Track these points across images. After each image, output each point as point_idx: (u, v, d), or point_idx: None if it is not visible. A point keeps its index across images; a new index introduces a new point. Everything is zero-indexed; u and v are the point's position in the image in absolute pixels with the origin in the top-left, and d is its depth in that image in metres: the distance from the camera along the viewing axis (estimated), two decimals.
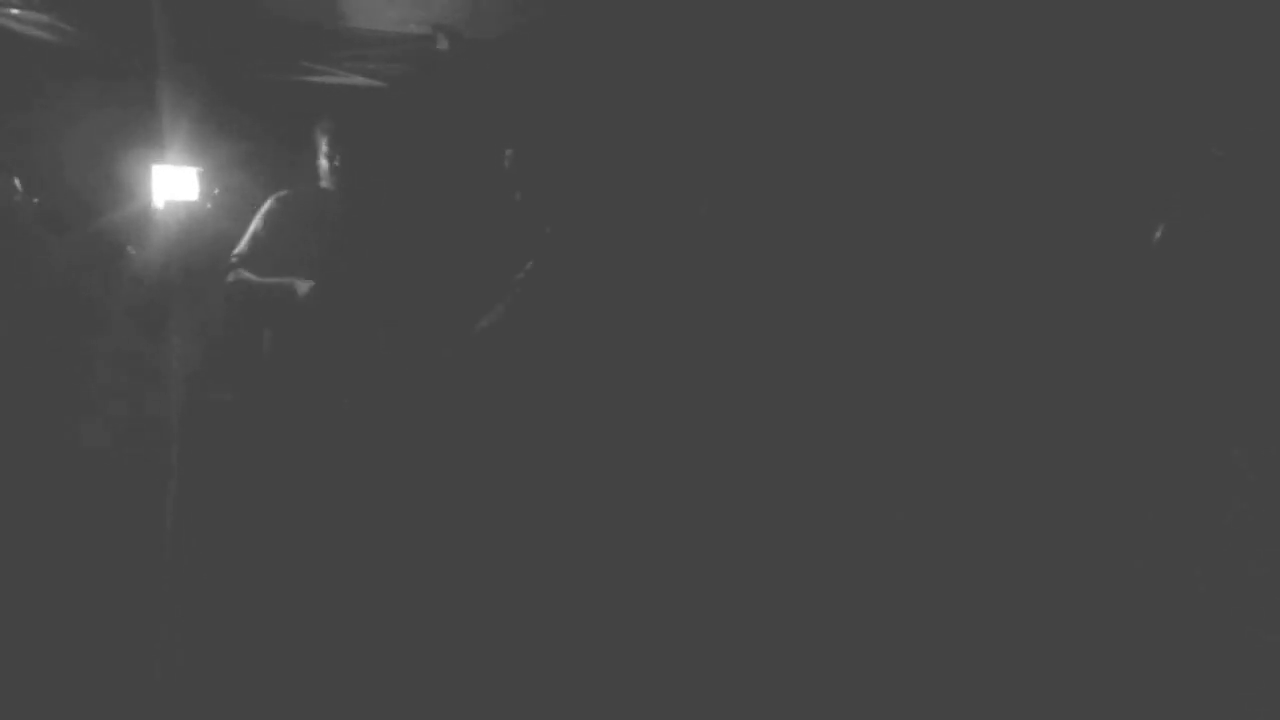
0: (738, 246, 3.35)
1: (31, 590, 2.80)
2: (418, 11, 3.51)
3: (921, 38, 3.31)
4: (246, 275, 3.21)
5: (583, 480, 3.03)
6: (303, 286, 3.12)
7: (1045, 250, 3.25)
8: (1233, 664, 2.65)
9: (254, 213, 3.35)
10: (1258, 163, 2.91)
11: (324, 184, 3.34)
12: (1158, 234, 3.00)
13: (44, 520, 2.93)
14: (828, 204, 3.42)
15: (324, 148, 3.30)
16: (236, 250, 3.28)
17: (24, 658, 2.65)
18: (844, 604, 3.02)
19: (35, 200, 3.34)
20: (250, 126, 3.89)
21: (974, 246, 3.32)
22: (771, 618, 2.98)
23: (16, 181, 3.18)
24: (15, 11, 3.49)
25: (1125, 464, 2.96)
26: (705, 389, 3.13)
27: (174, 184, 3.59)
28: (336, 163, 3.28)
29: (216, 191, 3.76)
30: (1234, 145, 2.96)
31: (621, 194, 3.31)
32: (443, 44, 3.60)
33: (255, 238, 3.30)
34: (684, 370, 3.12)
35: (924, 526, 3.10)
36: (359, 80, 3.96)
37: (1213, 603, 2.72)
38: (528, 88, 3.71)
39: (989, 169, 3.35)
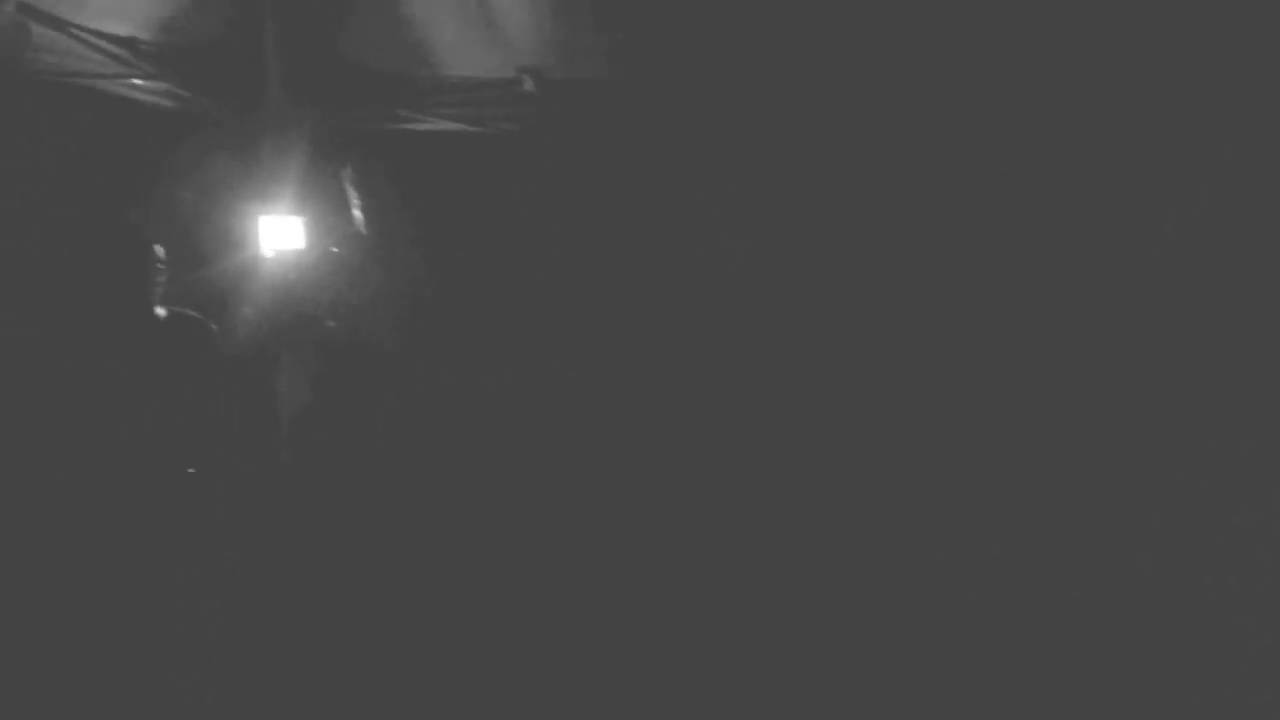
0: (757, 266, 3.37)
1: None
2: (505, 57, 3.63)
3: (923, 52, 3.25)
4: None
5: (597, 506, 3.08)
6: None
7: (1049, 253, 3.21)
8: (1236, 667, 2.60)
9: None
10: (1262, 161, 2.81)
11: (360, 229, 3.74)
12: (1164, 234, 2.95)
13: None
14: (845, 224, 3.41)
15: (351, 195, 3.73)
16: None
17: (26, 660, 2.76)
18: (845, 606, 3.04)
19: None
20: (351, 176, 4.05)
21: (981, 255, 3.28)
22: (769, 624, 3.02)
23: (159, 249, 3.30)
24: (138, 82, 3.77)
25: (1130, 465, 2.94)
26: (717, 405, 3.16)
27: (281, 233, 3.75)
28: (362, 208, 3.71)
29: (335, 248, 3.90)
30: (1239, 144, 2.84)
31: (654, 218, 3.36)
32: (529, 86, 3.69)
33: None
34: (696, 385, 3.16)
35: (926, 529, 3.09)
36: (453, 126, 4.10)
37: (1218, 606, 2.68)
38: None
39: (997, 186, 3.30)
